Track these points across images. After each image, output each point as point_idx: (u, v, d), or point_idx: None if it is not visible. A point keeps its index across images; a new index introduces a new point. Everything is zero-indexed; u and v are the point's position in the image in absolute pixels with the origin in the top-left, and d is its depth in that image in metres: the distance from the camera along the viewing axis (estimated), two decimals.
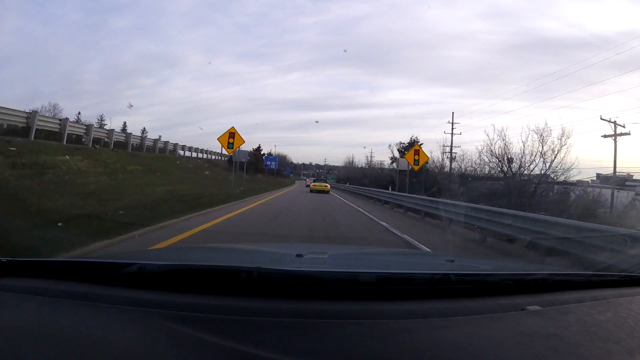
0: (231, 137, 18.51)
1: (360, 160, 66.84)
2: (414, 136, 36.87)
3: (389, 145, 46.85)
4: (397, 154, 34.55)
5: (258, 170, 45.46)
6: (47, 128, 17.23)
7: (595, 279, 1.50)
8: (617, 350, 0.89)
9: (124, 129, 31.50)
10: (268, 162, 51.09)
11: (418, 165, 18.74)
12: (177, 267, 1.23)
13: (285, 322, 0.94)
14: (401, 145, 37.20)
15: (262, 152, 52.40)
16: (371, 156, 55.41)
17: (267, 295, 1.05)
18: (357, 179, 43.99)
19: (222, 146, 19.64)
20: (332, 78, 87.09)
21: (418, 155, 18.67)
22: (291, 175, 76.28)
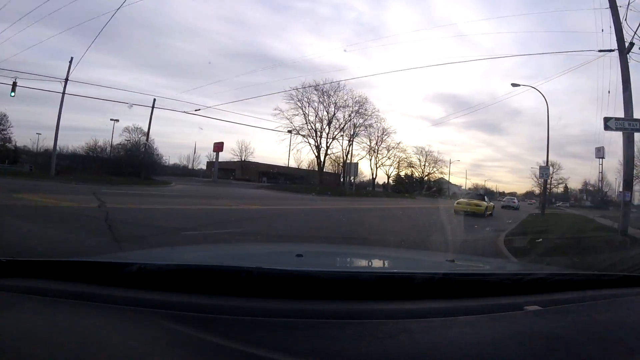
0: None
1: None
2: None
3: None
4: None
5: None
6: None
7: (595, 279, 1.50)
8: (617, 350, 0.89)
9: None
10: None
11: None
12: (177, 267, 1.23)
13: (285, 322, 0.94)
14: None
15: None
16: None
17: (267, 295, 1.05)
18: None
19: None
20: (32, 39, 64.34)
21: None
22: None
